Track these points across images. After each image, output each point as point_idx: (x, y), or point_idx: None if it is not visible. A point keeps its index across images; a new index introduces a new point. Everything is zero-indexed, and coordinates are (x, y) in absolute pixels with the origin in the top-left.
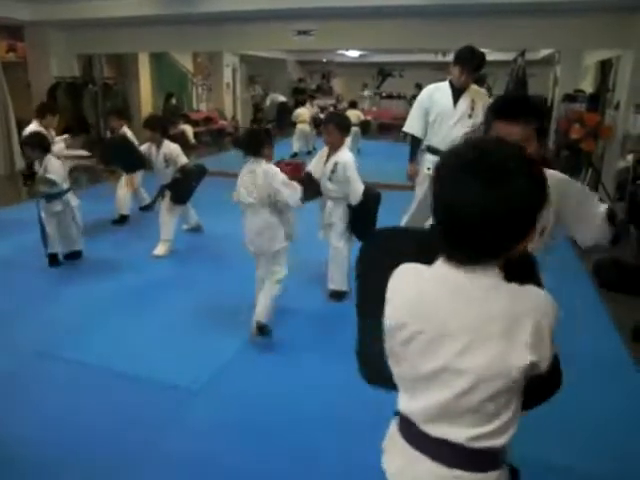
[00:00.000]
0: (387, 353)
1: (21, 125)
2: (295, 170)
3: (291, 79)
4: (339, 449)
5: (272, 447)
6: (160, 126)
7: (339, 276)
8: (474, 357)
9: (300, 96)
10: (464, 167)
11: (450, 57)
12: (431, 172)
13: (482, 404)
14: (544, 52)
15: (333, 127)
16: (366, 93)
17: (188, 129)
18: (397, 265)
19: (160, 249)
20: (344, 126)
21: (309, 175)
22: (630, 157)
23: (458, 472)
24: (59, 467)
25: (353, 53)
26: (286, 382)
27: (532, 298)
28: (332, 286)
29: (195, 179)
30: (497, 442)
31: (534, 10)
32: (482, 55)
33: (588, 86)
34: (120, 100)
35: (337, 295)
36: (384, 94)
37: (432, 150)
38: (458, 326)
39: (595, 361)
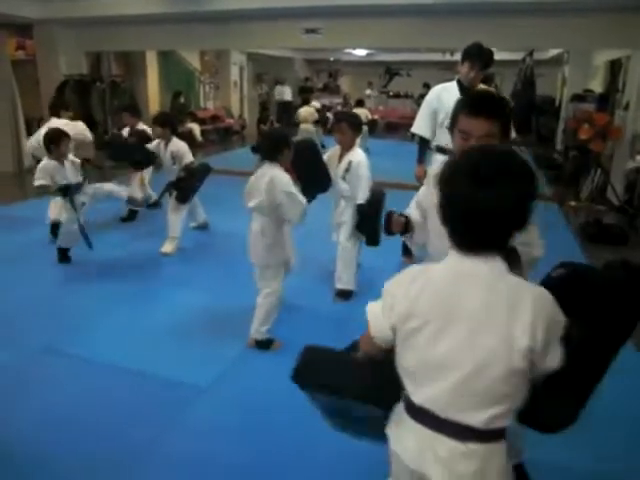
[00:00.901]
0: (397, 347)
1: (30, 123)
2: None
3: (298, 77)
4: (341, 449)
5: (275, 446)
6: (169, 123)
7: (347, 275)
8: (480, 341)
9: (304, 95)
10: (472, 173)
11: (457, 56)
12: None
13: (492, 386)
14: (553, 52)
15: (346, 126)
16: (369, 92)
17: (195, 127)
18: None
19: (167, 247)
20: (356, 125)
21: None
22: (639, 158)
23: (472, 445)
24: (60, 464)
25: (360, 52)
26: (290, 382)
27: (533, 290)
28: (339, 285)
29: (198, 178)
30: (507, 421)
31: (542, 10)
32: (490, 52)
33: (597, 86)
34: (128, 98)
35: (344, 294)
36: (391, 93)
37: (441, 150)
38: (464, 311)
39: None
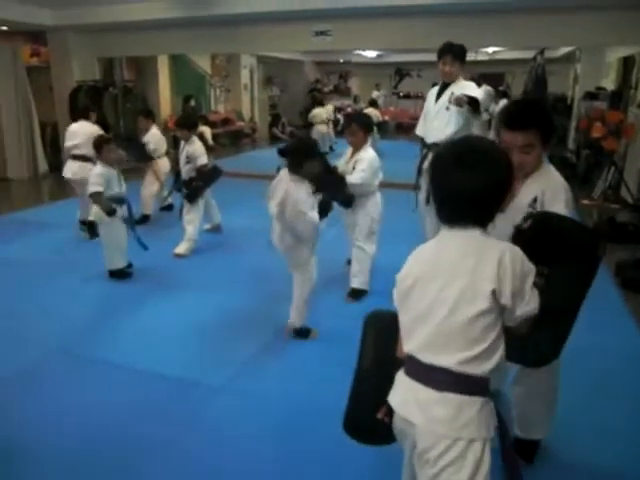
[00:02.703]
0: (398, 308)
1: (45, 128)
2: None
3: (308, 80)
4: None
5: (290, 449)
6: (188, 125)
7: (361, 276)
8: (452, 288)
9: (315, 94)
10: (455, 160)
11: (469, 56)
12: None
13: (463, 328)
14: (564, 50)
15: (356, 127)
16: (377, 94)
17: (207, 131)
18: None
19: (181, 248)
20: (367, 125)
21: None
22: None
23: (447, 394)
24: (76, 465)
25: (370, 53)
26: (305, 381)
27: (501, 245)
28: (354, 284)
29: (207, 180)
30: (481, 368)
31: (553, 7)
32: (461, 46)
33: (610, 83)
34: (140, 102)
35: (356, 294)
36: (402, 94)
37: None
38: (442, 266)
39: (617, 360)
